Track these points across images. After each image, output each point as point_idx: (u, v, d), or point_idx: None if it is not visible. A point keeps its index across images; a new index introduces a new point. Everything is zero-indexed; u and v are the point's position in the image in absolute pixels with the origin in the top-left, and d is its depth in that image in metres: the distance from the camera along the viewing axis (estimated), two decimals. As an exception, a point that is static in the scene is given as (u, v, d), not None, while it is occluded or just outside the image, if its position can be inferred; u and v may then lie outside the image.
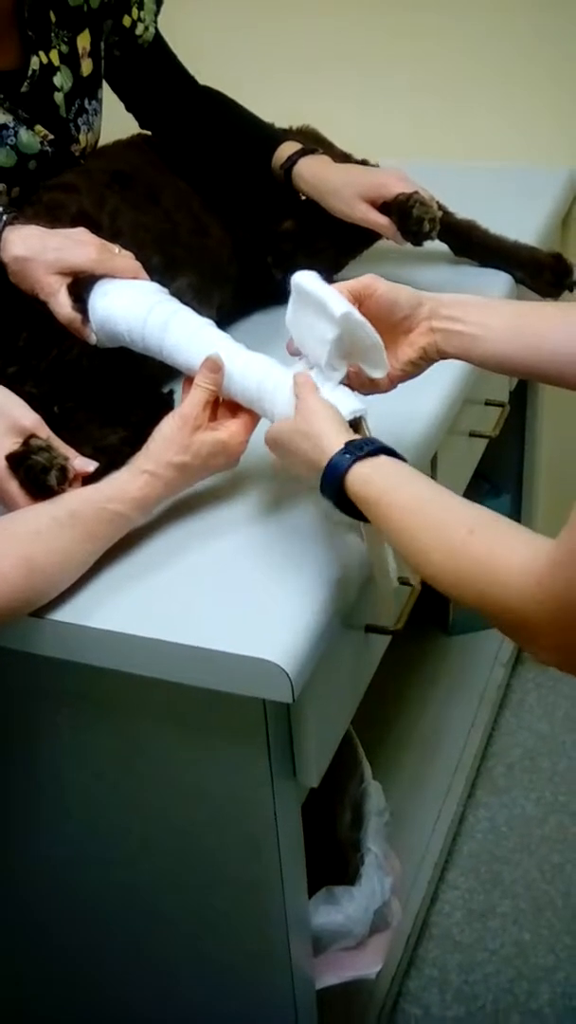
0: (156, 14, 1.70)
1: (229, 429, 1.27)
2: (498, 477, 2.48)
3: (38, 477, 1.19)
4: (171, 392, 1.45)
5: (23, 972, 1.61)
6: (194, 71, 1.77)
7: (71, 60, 1.58)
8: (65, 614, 1.17)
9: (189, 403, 1.25)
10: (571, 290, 1.84)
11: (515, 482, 2.51)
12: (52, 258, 1.32)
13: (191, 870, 1.35)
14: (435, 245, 1.75)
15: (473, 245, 1.84)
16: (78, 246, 1.34)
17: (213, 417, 1.28)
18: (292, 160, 1.66)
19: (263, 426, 1.28)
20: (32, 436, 1.22)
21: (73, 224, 1.40)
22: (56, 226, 1.38)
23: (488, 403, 1.86)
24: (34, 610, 1.16)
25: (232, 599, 1.18)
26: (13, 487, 1.20)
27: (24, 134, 1.54)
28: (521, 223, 1.92)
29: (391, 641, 1.44)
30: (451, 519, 1.01)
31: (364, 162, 1.80)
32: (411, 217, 1.57)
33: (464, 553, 0.97)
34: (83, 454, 1.27)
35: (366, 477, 1.07)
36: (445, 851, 2.18)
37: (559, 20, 2.13)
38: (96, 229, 1.39)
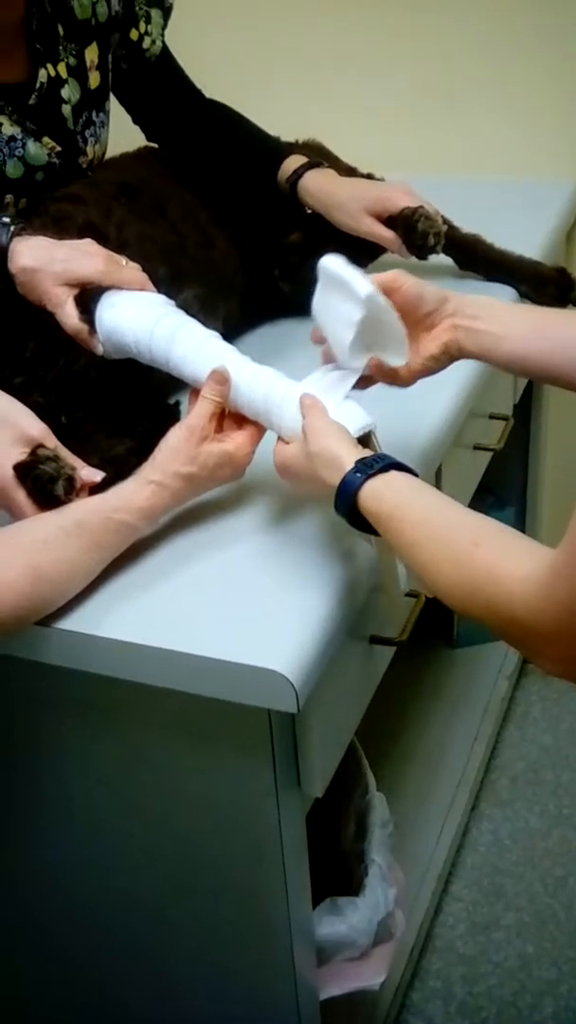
0: (163, 28, 1.71)
1: (235, 441, 1.28)
2: (502, 490, 2.49)
3: (45, 487, 1.20)
4: (177, 403, 1.45)
5: (25, 976, 1.61)
6: (200, 84, 1.78)
7: (79, 73, 1.59)
8: (71, 623, 1.17)
9: (196, 414, 1.26)
10: (575, 305, 1.85)
11: (519, 495, 2.51)
12: (59, 269, 1.33)
13: (195, 879, 1.35)
14: (440, 259, 1.76)
15: (478, 259, 1.85)
16: (85, 257, 1.34)
17: (219, 429, 1.28)
18: (298, 173, 1.67)
19: (269, 438, 1.29)
20: (39, 446, 1.23)
21: (80, 235, 1.40)
22: (63, 237, 1.38)
23: (492, 416, 1.86)
24: (41, 619, 1.16)
25: (237, 609, 1.18)
26: (20, 496, 1.20)
27: (32, 146, 1.54)
28: (526, 237, 1.92)
29: (396, 653, 1.45)
30: (458, 532, 1.02)
31: (370, 176, 1.81)
32: (416, 231, 1.57)
33: (470, 565, 0.98)
34: (90, 464, 1.27)
35: (378, 493, 1.08)
36: (449, 863, 2.18)
37: (565, 35, 2.14)
38: (103, 240, 1.39)
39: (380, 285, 1.22)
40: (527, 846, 2.30)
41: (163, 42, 1.72)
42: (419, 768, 2.26)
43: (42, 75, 1.53)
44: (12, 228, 1.35)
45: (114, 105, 1.72)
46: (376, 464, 1.10)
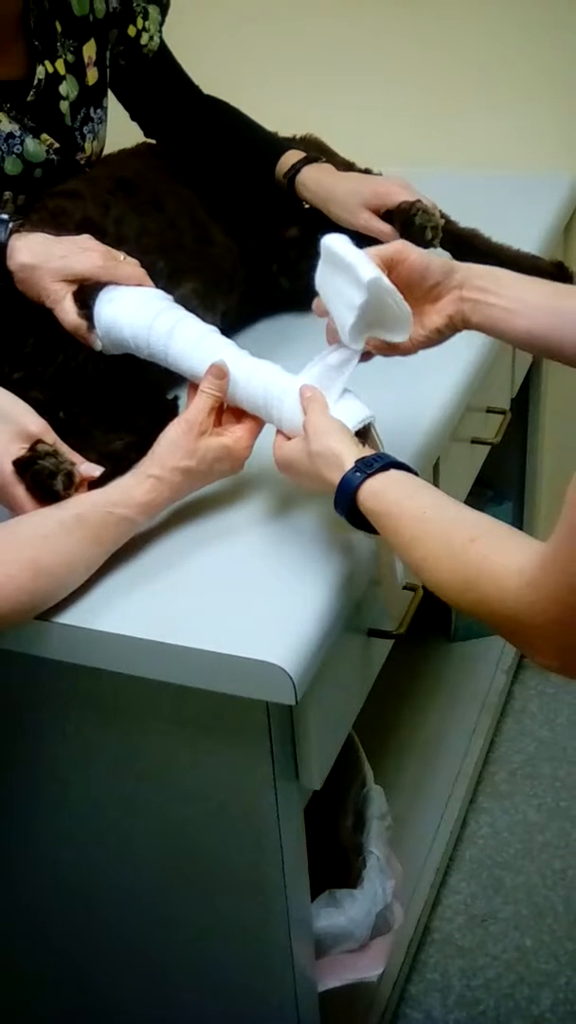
0: (161, 24, 1.71)
1: (234, 435, 1.28)
2: (500, 484, 2.49)
3: (45, 482, 1.20)
4: (176, 398, 1.46)
5: (24, 972, 1.62)
6: (197, 80, 1.78)
7: (77, 69, 1.59)
8: (71, 617, 1.18)
9: (195, 408, 1.26)
10: (573, 298, 1.85)
11: (517, 489, 2.52)
12: (58, 265, 1.33)
13: (194, 871, 1.36)
14: (437, 253, 1.76)
15: (475, 253, 1.84)
16: (83, 253, 1.35)
17: (218, 423, 1.29)
18: (296, 168, 1.67)
19: (267, 432, 1.29)
20: (39, 441, 1.23)
21: (78, 231, 1.41)
22: (61, 233, 1.39)
23: (490, 410, 1.87)
24: (40, 613, 1.17)
25: (236, 602, 1.19)
26: (20, 492, 1.21)
27: (30, 143, 1.55)
28: (523, 231, 1.92)
29: (394, 647, 1.45)
30: (454, 528, 1.03)
31: (367, 171, 1.81)
32: (414, 225, 1.58)
33: (464, 560, 0.99)
34: (89, 459, 1.28)
35: (377, 492, 1.09)
36: (447, 856, 2.18)
37: (561, 29, 2.14)
38: (101, 236, 1.40)
39: (384, 257, 1.22)
40: (525, 839, 2.31)
41: (161, 38, 1.72)
42: (417, 761, 2.27)
43: (40, 72, 1.54)
44: (10, 225, 1.36)
45: (112, 101, 1.73)
46: (376, 463, 1.11)
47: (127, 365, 1.37)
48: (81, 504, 1.20)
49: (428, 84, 2.28)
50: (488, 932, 2.13)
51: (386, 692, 1.66)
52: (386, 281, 1.18)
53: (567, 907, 2.16)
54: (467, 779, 2.29)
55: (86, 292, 1.34)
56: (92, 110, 1.63)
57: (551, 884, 2.21)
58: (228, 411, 1.31)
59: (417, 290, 1.23)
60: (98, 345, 1.35)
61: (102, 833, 1.40)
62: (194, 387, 1.29)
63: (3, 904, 1.56)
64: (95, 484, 1.26)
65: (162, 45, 1.72)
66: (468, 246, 1.84)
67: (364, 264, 1.18)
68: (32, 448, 1.22)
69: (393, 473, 1.11)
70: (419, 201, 1.59)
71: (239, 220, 1.71)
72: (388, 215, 1.61)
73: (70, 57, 1.57)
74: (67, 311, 1.33)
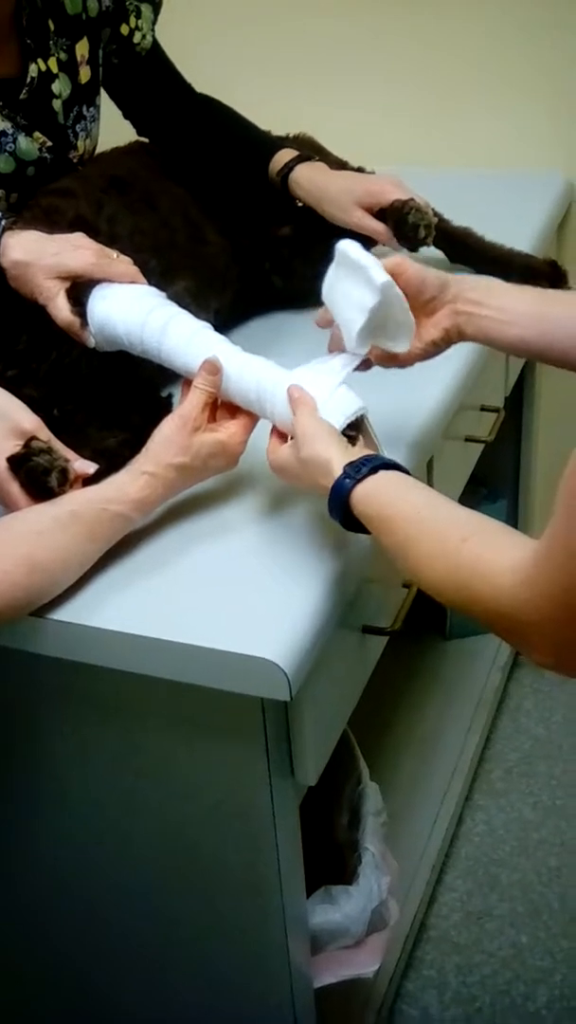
0: (153, 23, 1.71)
1: (228, 430, 1.29)
2: (495, 482, 2.49)
3: (39, 479, 1.20)
4: (170, 395, 1.46)
5: (23, 971, 1.62)
6: (190, 78, 1.79)
7: (69, 68, 1.59)
8: (66, 614, 1.18)
9: (188, 405, 1.26)
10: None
11: (511, 487, 2.52)
12: (51, 263, 1.34)
13: (190, 867, 1.36)
14: (431, 252, 1.77)
15: (468, 252, 1.85)
16: (76, 251, 1.35)
17: (212, 419, 1.29)
18: (289, 167, 1.68)
19: (262, 427, 1.29)
20: (33, 438, 1.23)
21: (71, 229, 1.41)
22: (54, 231, 1.39)
23: (484, 408, 1.87)
24: (35, 610, 1.17)
25: (230, 598, 1.19)
26: (14, 489, 1.21)
27: (23, 141, 1.55)
28: (516, 230, 1.93)
29: (389, 644, 1.46)
30: (446, 527, 1.04)
31: (360, 169, 1.81)
32: (407, 223, 1.58)
33: (457, 559, 0.99)
34: (83, 456, 1.28)
35: (368, 496, 1.10)
36: (443, 854, 2.19)
37: (555, 28, 2.14)
38: (94, 234, 1.40)
39: (385, 270, 1.23)
40: (521, 836, 2.31)
41: (153, 36, 1.72)
42: (413, 758, 2.27)
43: (32, 70, 1.54)
44: (3, 222, 1.36)
45: (105, 100, 1.73)
46: (364, 467, 1.11)
47: (120, 362, 1.37)
48: (75, 501, 1.20)
49: (421, 84, 2.29)
50: (484, 929, 2.13)
51: (382, 690, 1.66)
52: (397, 288, 1.21)
53: (563, 904, 2.16)
54: (463, 776, 2.29)
55: (79, 289, 1.34)
56: (85, 108, 1.64)
57: (547, 881, 2.21)
58: (222, 407, 1.31)
59: (413, 303, 1.25)
60: (91, 342, 1.35)
61: (99, 831, 1.40)
62: (188, 383, 1.30)
63: (2, 903, 1.56)
64: (89, 481, 1.26)
65: (155, 44, 1.72)
66: (461, 245, 1.84)
67: (377, 268, 1.20)
68: (26, 445, 1.22)
69: (383, 474, 1.11)
70: (412, 199, 1.60)
71: (232, 218, 1.71)
72: (381, 213, 1.62)
73: (63, 55, 1.57)
74: (60, 308, 1.34)
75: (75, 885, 1.47)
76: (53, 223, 1.45)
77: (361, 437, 1.22)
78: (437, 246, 1.79)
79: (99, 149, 1.73)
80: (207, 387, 1.27)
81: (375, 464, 1.12)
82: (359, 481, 1.10)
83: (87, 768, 1.35)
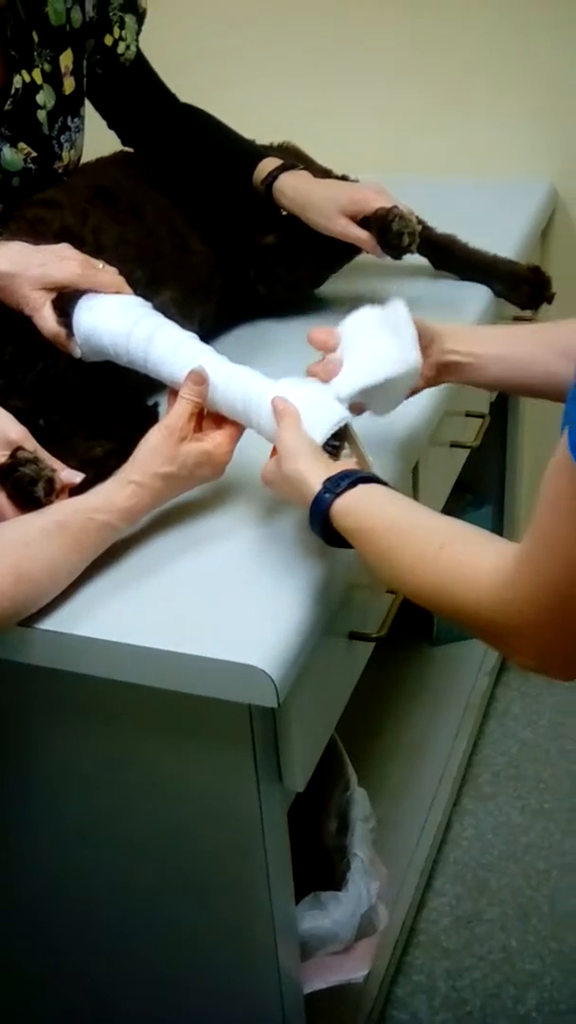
0: (137, 33, 1.72)
1: (214, 440, 1.29)
2: (480, 488, 2.50)
3: (25, 489, 1.21)
4: (156, 404, 1.46)
5: (22, 972, 1.62)
6: (174, 88, 1.79)
7: (54, 79, 1.60)
8: (53, 623, 1.18)
9: (175, 414, 1.27)
10: (549, 303, 1.86)
11: (497, 493, 2.53)
12: (37, 273, 1.34)
13: (179, 874, 1.37)
14: (415, 259, 1.78)
15: (453, 259, 1.87)
16: (62, 261, 1.35)
17: (198, 429, 1.29)
18: (273, 175, 1.68)
19: (248, 437, 1.30)
20: (19, 449, 1.24)
21: (56, 240, 1.41)
22: (39, 242, 1.39)
23: (469, 414, 1.87)
24: (23, 619, 1.18)
25: (218, 606, 1.19)
26: (1, 499, 1.22)
27: (7, 152, 1.55)
28: (500, 236, 1.94)
29: (377, 650, 1.46)
30: (425, 535, 1.05)
31: (344, 177, 1.82)
32: (391, 231, 1.59)
33: (437, 565, 1.00)
34: (69, 466, 1.28)
35: (347, 510, 1.11)
36: (431, 858, 2.19)
37: (539, 35, 2.15)
38: (79, 245, 1.41)
39: None
40: (509, 841, 2.31)
41: (137, 47, 1.72)
42: (401, 764, 2.27)
43: (17, 81, 1.54)
44: (-11, 234, 1.37)
45: (89, 110, 1.73)
46: (343, 481, 1.12)
47: (107, 372, 1.38)
48: (62, 510, 1.21)
49: (405, 91, 2.30)
50: (473, 933, 2.14)
51: (369, 696, 1.67)
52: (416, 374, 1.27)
53: (552, 907, 2.17)
54: (451, 781, 2.29)
55: (65, 300, 1.34)
56: (70, 119, 1.64)
57: (535, 885, 2.22)
58: (208, 417, 1.31)
59: None
60: (77, 352, 1.35)
61: (87, 837, 1.40)
62: (174, 393, 1.30)
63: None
64: (76, 491, 1.26)
65: (139, 54, 1.73)
66: (445, 252, 1.85)
67: (416, 345, 1.26)
68: (13, 455, 1.23)
69: (361, 488, 1.12)
70: (396, 207, 1.60)
71: (217, 227, 1.72)
72: (365, 221, 1.62)
73: (47, 66, 1.58)
74: (46, 319, 1.34)
75: (68, 890, 1.47)
76: (38, 234, 1.45)
77: (348, 447, 1.23)
78: (421, 253, 1.80)
79: (84, 159, 1.74)
80: (193, 397, 1.27)
81: (354, 478, 1.13)
82: (338, 495, 1.12)
83: (76, 777, 1.35)
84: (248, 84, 2.36)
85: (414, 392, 1.34)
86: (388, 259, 1.63)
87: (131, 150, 1.80)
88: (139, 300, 1.37)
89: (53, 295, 1.35)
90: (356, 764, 1.78)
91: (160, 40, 1.79)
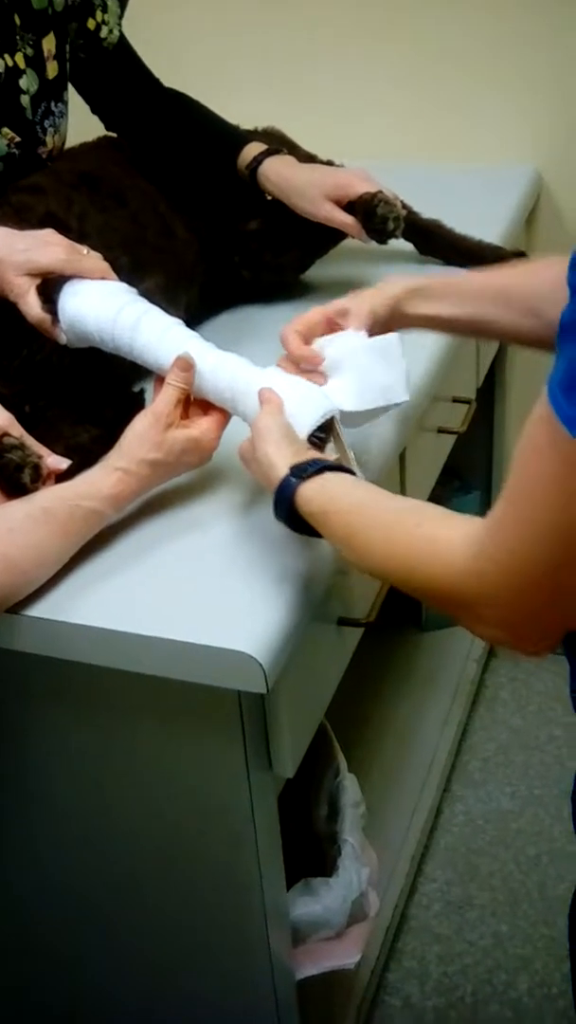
0: (120, 17, 1.71)
1: (201, 427, 1.29)
2: (467, 473, 2.50)
3: (12, 475, 1.20)
4: (142, 391, 1.46)
5: (7, 961, 1.62)
6: (159, 74, 1.78)
7: (36, 63, 1.59)
8: (41, 610, 1.18)
9: (161, 401, 1.26)
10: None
11: (484, 478, 2.53)
12: (21, 259, 1.33)
13: (170, 862, 1.36)
14: (401, 244, 1.77)
15: (438, 244, 1.86)
16: (46, 247, 1.35)
17: (185, 415, 1.29)
18: (257, 160, 1.68)
19: (235, 424, 1.29)
20: (5, 434, 1.23)
21: (41, 226, 1.41)
22: (24, 228, 1.39)
23: (456, 400, 1.87)
24: (9, 607, 1.17)
25: (205, 593, 1.19)
26: (-14, 486, 1.21)
27: (-9, 137, 1.55)
28: (486, 222, 1.93)
29: (365, 637, 1.46)
30: (396, 515, 1.05)
31: (329, 163, 1.82)
32: (376, 215, 1.58)
33: (409, 540, 1.00)
34: (55, 453, 1.28)
35: (312, 493, 1.10)
36: (422, 844, 2.19)
37: (523, 22, 2.15)
38: (64, 231, 1.40)
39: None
40: (499, 826, 2.32)
41: (120, 31, 1.72)
42: (390, 750, 2.28)
43: (-1, 66, 1.54)
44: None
45: (72, 95, 1.72)
46: (310, 468, 1.12)
47: (93, 358, 1.37)
48: (48, 497, 1.20)
49: (390, 78, 2.29)
50: (464, 919, 2.14)
51: (358, 682, 1.67)
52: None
53: (542, 893, 2.17)
54: (440, 767, 2.30)
55: (50, 286, 1.33)
56: (53, 104, 1.63)
57: (526, 870, 2.22)
58: (195, 403, 1.31)
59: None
60: (63, 339, 1.35)
61: (78, 824, 1.40)
62: (160, 380, 1.30)
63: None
64: (62, 477, 1.26)
65: (122, 38, 1.72)
66: (431, 237, 1.85)
67: (405, 384, 1.29)
68: (-2, 441, 1.22)
69: (328, 475, 1.12)
70: (381, 192, 1.60)
71: (201, 213, 1.71)
72: (350, 206, 1.62)
73: (29, 51, 1.57)
74: (31, 305, 1.33)
75: (58, 878, 1.47)
76: (23, 221, 1.44)
77: (332, 440, 1.23)
78: (407, 238, 1.80)
79: (67, 144, 1.73)
80: (180, 383, 1.27)
81: (320, 466, 1.12)
82: (304, 480, 1.11)
83: (64, 765, 1.35)
84: (233, 71, 2.36)
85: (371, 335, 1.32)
86: (373, 244, 1.63)
87: (115, 135, 1.79)
88: (124, 286, 1.36)
89: (38, 281, 1.34)
90: (345, 750, 1.78)
91: (144, 26, 1.78)
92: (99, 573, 1.22)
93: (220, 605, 1.17)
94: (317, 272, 1.81)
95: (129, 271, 1.47)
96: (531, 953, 2.07)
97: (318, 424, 1.21)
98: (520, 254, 1.86)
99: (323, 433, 1.23)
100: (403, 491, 1.62)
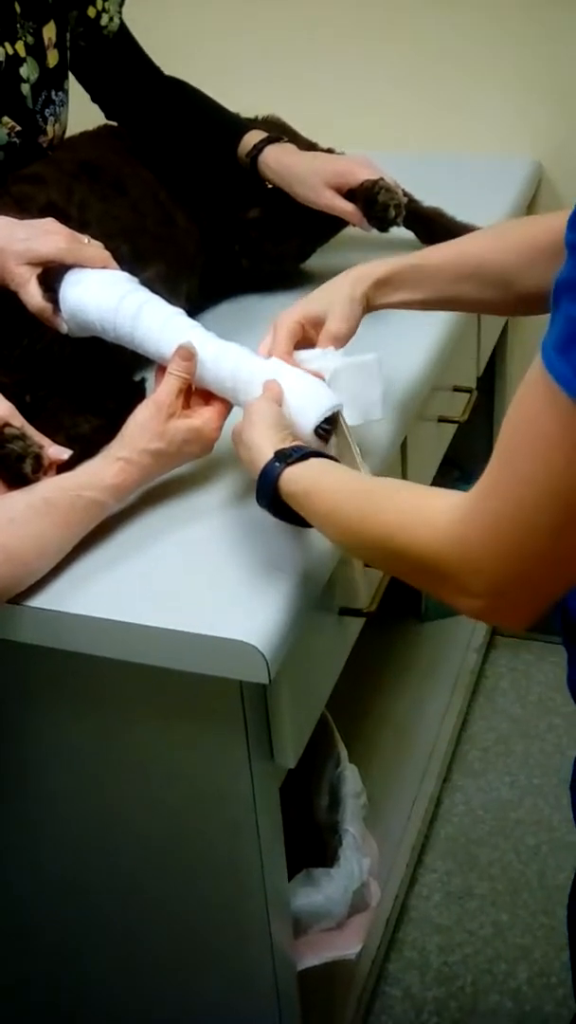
0: (121, 5, 1.70)
1: (203, 416, 1.28)
2: (467, 463, 2.49)
3: (13, 465, 1.20)
4: (143, 380, 1.45)
5: (6, 954, 1.62)
6: (159, 62, 1.78)
7: (37, 51, 1.58)
8: (42, 601, 1.17)
9: (163, 391, 1.26)
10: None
11: (484, 467, 2.51)
12: (22, 248, 1.33)
13: (171, 852, 1.36)
14: (402, 233, 1.76)
15: (439, 232, 1.85)
16: (47, 236, 1.34)
17: (187, 405, 1.29)
18: (258, 148, 1.67)
19: (237, 414, 1.29)
20: (6, 425, 1.22)
21: (41, 215, 1.40)
22: (24, 217, 1.38)
23: (456, 389, 1.87)
24: (10, 598, 1.17)
25: (207, 583, 1.19)
26: (-13, 476, 1.21)
27: (-9, 126, 1.54)
28: (486, 211, 1.93)
29: (366, 628, 1.46)
30: (379, 484, 1.05)
31: (330, 150, 1.81)
32: (377, 203, 1.58)
33: (392, 503, 0.99)
34: (56, 443, 1.27)
35: (295, 476, 1.10)
36: (422, 835, 2.19)
37: (522, 13, 2.14)
38: (65, 220, 1.39)
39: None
40: (499, 816, 2.32)
41: (121, 19, 1.71)
42: (390, 741, 2.28)
43: (0, 54, 1.53)
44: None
45: (73, 83, 1.72)
46: (295, 454, 1.11)
47: (94, 347, 1.37)
48: (50, 488, 1.20)
49: (390, 67, 2.28)
50: (464, 909, 2.15)
51: (359, 673, 1.66)
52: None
53: (541, 882, 2.17)
54: (440, 757, 2.30)
55: (51, 275, 1.33)
56: (54, 92, 1.62)
57: (526, 860, 2.22)
58: (196, 393, 1.31)
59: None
60: (64, 328, 1.34)
61: (78, 815, 1.39)
62: (162, 369, 1.29)
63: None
64: (64, 467, 1.25)
65: (122, 26, 1.71)
66: (432, 225, 1.84)
67: (381, 402, 1.30)
68: (-1, 431, 1.22)
69: (312, 460, 1.11)
70: (382, 179, 1.60)
71: (201, 201, 1.70)
72: (351, 194, 1.61)
73: (30, 39, 1.56)
74: (32, 294, 1.33)
75: (58, 870, 1.47)
76: (23, 210, 1.44)
77: (336, 435, 1.23)
78: (408, 227, 1.79)
79: (67, 133, 1.72)
80: (181, 373, 1.26)
81: (305, 452, 1.12)
82: (288, 465, 1.10)
83: (65, 755, 1.34)
84: (233, 59, 2.35)
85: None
86: (374, 232, 1.62)
87: (115, 124, 1.78)
88: (125, 275, 1.36)
89: (39, 270, 1.33)
90: (346, 740, 1.78)
91: (144, 13, 1.77)
92: (101, 563, 1.22)
93: (222, 595, 1.16)
94: (318, 261, 1.81)
95: (130, 260, 1.46)
96: (531, 943, 2.08)
97: (324, 416, 1.21)
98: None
99: (328, 425, 1.22)
100: (404, 480, 1.62)
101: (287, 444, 1.14)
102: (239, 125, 1.72)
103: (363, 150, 1.76)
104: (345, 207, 1.61)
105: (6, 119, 1.55)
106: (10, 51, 1.54)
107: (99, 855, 1.42)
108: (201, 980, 1.48)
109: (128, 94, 1.75)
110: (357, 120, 2.32)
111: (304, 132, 1.88)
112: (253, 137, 1.68)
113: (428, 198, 1.84)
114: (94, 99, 1.77)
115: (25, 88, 1.57)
